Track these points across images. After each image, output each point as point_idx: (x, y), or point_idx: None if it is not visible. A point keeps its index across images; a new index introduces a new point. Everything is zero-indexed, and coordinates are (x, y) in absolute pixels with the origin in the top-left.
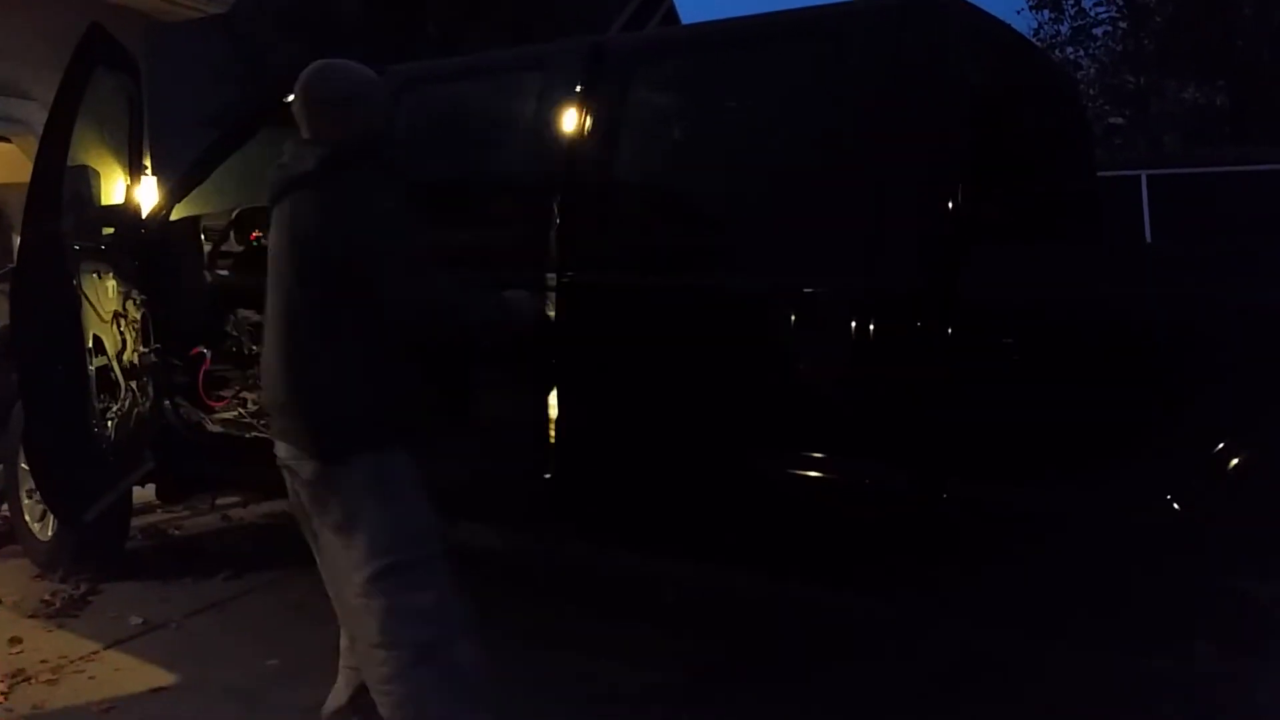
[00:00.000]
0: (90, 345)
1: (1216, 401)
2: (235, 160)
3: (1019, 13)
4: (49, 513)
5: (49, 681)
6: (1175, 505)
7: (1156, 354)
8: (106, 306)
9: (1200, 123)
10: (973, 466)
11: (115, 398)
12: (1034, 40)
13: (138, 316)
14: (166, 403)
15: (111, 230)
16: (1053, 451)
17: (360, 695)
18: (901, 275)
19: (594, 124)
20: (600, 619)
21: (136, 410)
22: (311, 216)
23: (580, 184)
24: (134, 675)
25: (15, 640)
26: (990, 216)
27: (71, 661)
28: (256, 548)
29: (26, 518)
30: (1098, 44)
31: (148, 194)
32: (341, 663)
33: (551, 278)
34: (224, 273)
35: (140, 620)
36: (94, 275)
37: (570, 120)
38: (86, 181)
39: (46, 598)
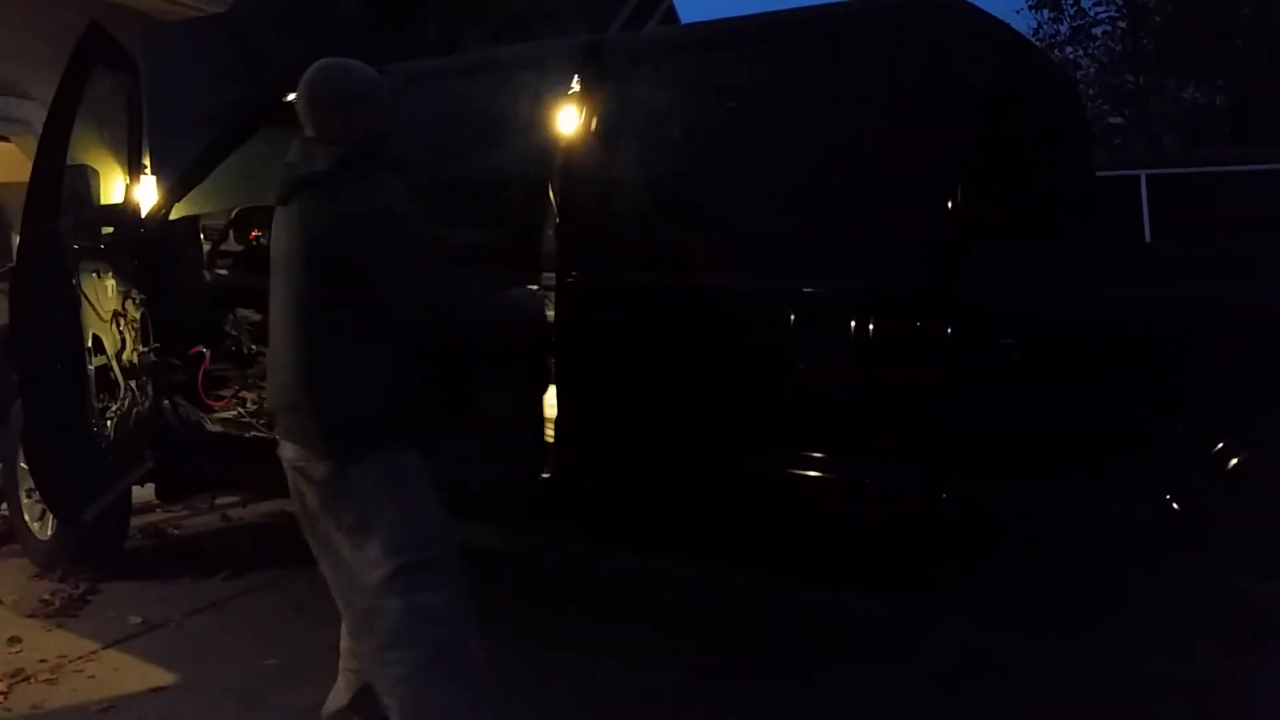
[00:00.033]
0: (90, 344)
1: (1216, 401)
2: (234, 159)
3: (1019, 12)
4: (48, 512)
5: (48, 681)
6: (1175, 505)
7: (1156, 354)
8: (106, 306)
9: (1200, 123)
10: (973, 466)
11: (115, 397)
12: (1033, 40)
13: (137, 316)
14: (166, 402)
15: (111, 229)
16: (1053, 451)
17: (361, 697)
18: (901, 275)
19: (592, 123)
20: (600, 619)
21: (136, 410)
22: (325, 216)
23: (579, 184)
24: (133, 675)
25: (14, 640)
26: (990, 216)
27: (71, 661)
28: (256, 547)
29: (26, 517)
30: (1097, 44)
31: (147, 193)
32: (342, 664)
33: (551, 278)
34: (223, 272)
35: (139, 620)
36: (93, 274)
37: (568, 119)
38: (85, 181)
39: (46, 597)
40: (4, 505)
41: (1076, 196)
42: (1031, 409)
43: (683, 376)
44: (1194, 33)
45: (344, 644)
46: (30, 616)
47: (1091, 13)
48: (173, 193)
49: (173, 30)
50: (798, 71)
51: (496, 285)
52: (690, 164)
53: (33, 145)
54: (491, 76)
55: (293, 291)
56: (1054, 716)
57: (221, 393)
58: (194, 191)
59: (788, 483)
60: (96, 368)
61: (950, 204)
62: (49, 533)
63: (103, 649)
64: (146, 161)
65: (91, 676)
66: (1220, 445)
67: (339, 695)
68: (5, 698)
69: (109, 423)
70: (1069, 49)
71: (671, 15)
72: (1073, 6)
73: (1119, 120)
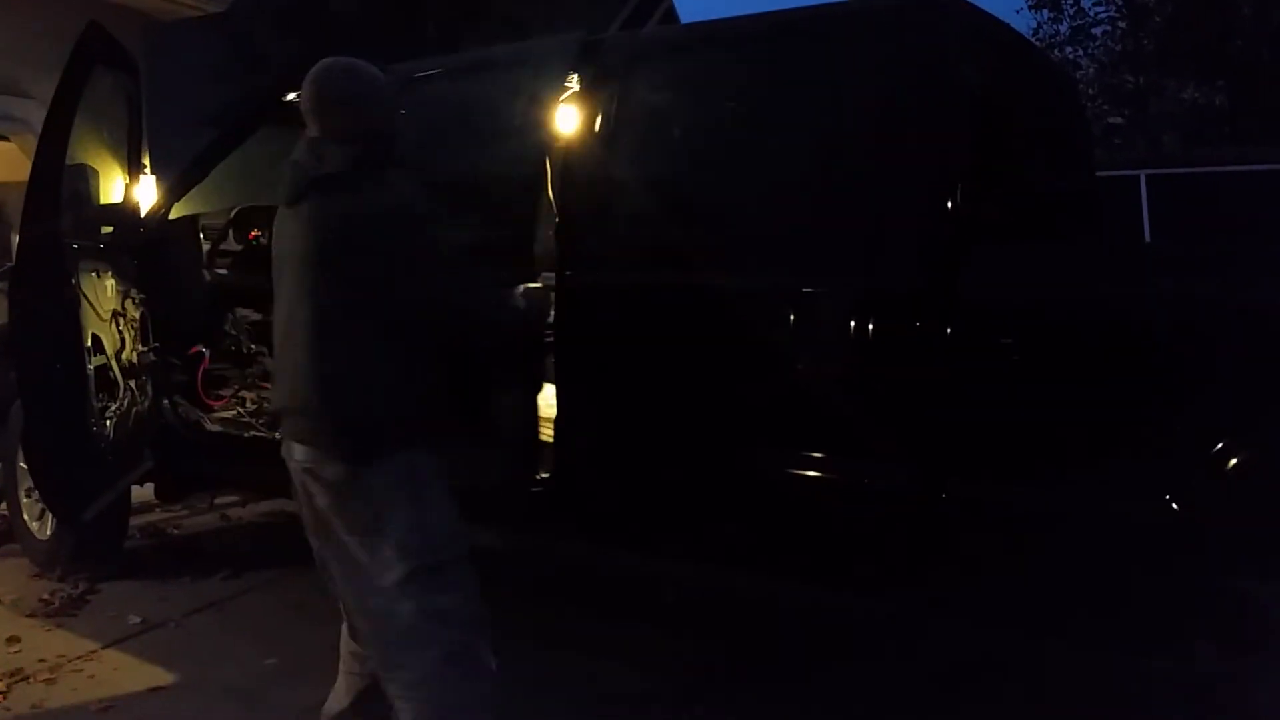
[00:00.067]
0: (89, 344)
1: (1216, 401)
2: (234, 159)
3: (1018, 12)
4: (48, 511)
5: (47, 681)
6: (1175, 505)
7: (1156, 354)
8: (105, 305)
9: (1199, 123)
10: (973, 466)
11: (114, 397)
12: (1033, 40)
13: (136, 315)
14: (165, 402)
15: (110, 229)
16: (1053, 451)
17: (363, 699)
18: (901, 275)
19: (591, 123)
20: (600, 619)
21: (135, 409)
22: (342, 217)
23: (579, 184)
24: (132, 674)
25: (14, 639)
26: (990, 216)
27: (70, 660)
28: (255, 547)
29: (25, 516)
30: (1097, 44)
31: (146, 193)
32: (342, 667)
33: (550, 277)
34: (223, 272)
35: (139, 619)
36: (93, 274)
37: (567, 119)
38: (85, 180)
39: (45, 597)
40: (3, 505)
41: (1076, 196)
42: (1031, 409)
43: (683, 376)
44: (1194, 33)
45: (344, 646)
46: (30, 616)
47: (1091, 13)
48: (172, 192)
49: (173, 30)
50: (798, 72)
51: (499, 284)
52: (690, 164)
53: (32, 144)
54: (490, 75)
55: (305, 292)
56: (1054, 716)
57: (221, 392)
58: (193, 191)
59: (787, 483)
60: (96, 367)
61: (950, 204)
62: (48, 532)
63: (102, 648)
64: (146, 161)
65: (91, 676)
66: (1220, 445)
67: (339, 697)
68: (4, 697)
69: (108, 422)
70: (1069, 49)
71: (671, 15)
72: (1072, 6)
73: (1119, 120)
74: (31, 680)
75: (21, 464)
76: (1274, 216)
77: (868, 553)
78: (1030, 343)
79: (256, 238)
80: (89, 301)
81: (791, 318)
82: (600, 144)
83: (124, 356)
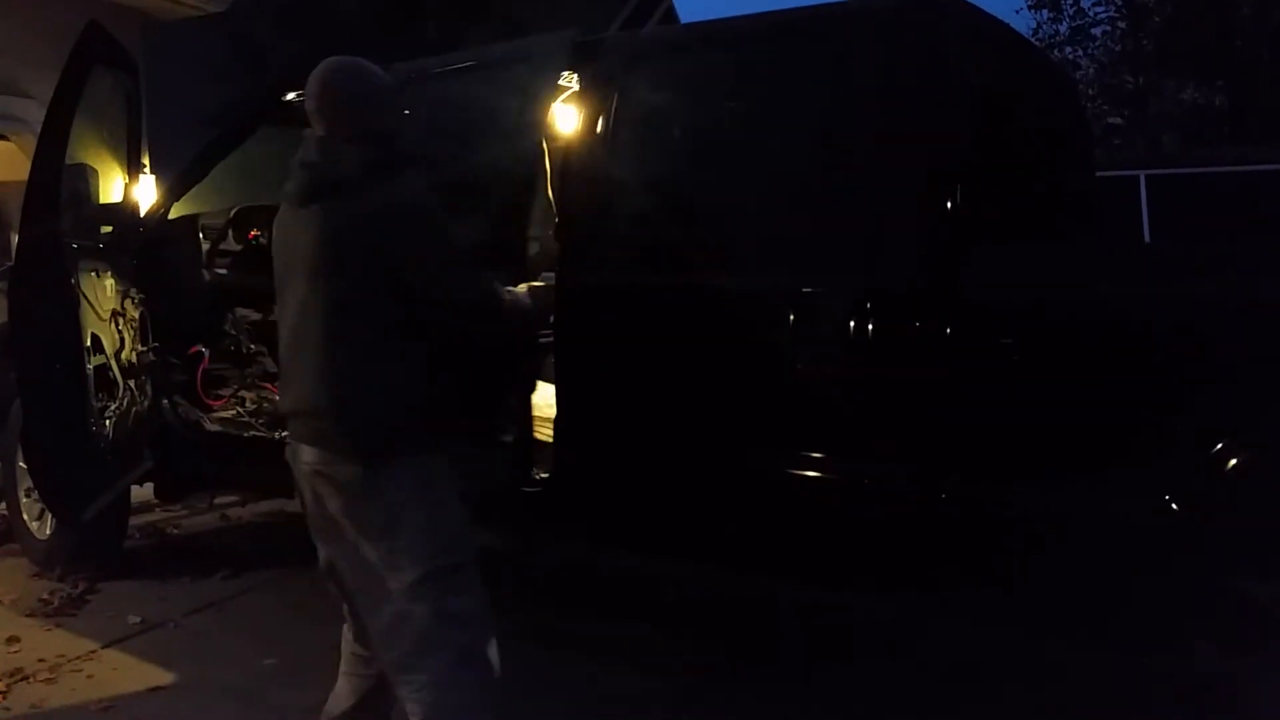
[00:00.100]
0: (89, 344)
1: (1216, 401)
2: (234, 159)
3: (1018, 12)
4: (47, 511)
5: (47, 680)
6: (1175, 505)
7: (1156, 354)
8: (105, 305)
9: (1199, 123)
10: (973, 466)
11: (114, 396)
12: (1033, 40)
13: (136, 315)
14: (165, 401)
15: (110, 229)
16: (1053, 451)
17: (369, 701)
18: (901, 275)
19: (590, 123)
20: (600, 619)
21: (135, 409)
22: (360, 218)
23: (578, 184)
24: (132, 674)
25: (13, 639)
26: (990, 216)
27: (69, 660)
28: (255, 547)
29: (25, 516)
30: (1096, 44)
31: (146, 192)
32: (345, 668)
33: (550, 277)
34: (222, 271)
35: (138, 619)
36: (92, 274)
37: (566, 119)
38: (85, 180)
39: (44, 596)
40: (3, 504)
41: (1076, 196)
42: (1031, 409)
43: (683, 376)
44: (1193, 33)
45: (347, 647)
46: (29, 616)
47: (1091, 13)
48: (172, 192)
49: (173, 30)
50: (797, 72)
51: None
52: (690, 164)
53: (32, 144)
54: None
55: (319, 293)
56: (1054, 716)
57: (220, 392)
58: (193, 191)
59: (788, 483)
60: (95, 367)
61: (950, 204)
62: (48, 532)
63: (101, 648)
64: (146, 160)
65: (90, 676)
66: (1220, 445)
67: (341, 698)
68: (4, 697)
69: (108, 422)
70: (1068, 49)
71: (671, 15)
72: (1072, 7)
73: (1118, 120)
74: (31, 680)
75: (21, 464)
76: (1274, 216)
77: (868, 553)
78: (1030, 343)
79: (256, 237)
80: (88, 301)
81: (791, 318)
82: (600, 144)
83: (123, 356)
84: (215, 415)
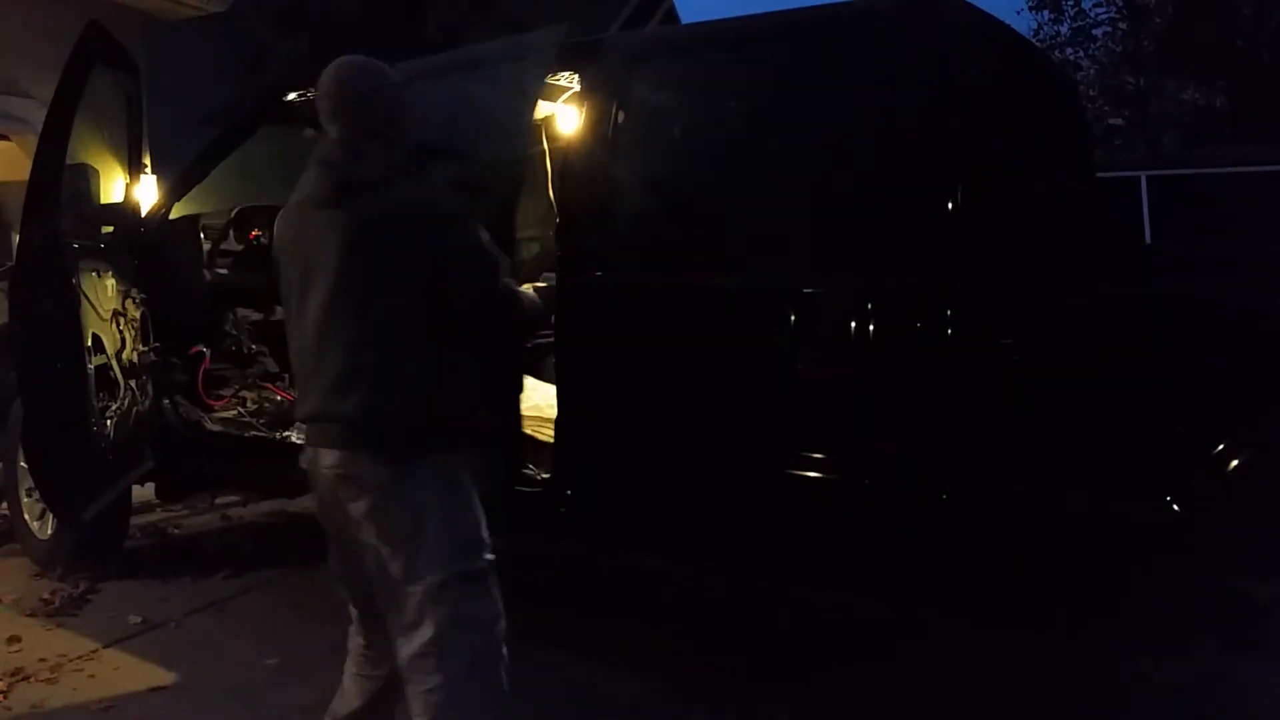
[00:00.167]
0: (89, 344)
1: (1216, 401)
2: (234, 159)
3: (1019, 13)
4: (48, 511)
5: (48, 680)
6: (1175, 505)
7: (1156, 354)
8: (106, 305)
9: (1200, 123)
10: (973, 466)
11: (114, 396)
12: (1034, 41)
13: (137, 315)
14: (166, 401)
15: (111, 228)
16: (1053, 451)
17: (377, 702)
18: (901, 275)
19: (591, 124)
20: (600, 619)
21: (136, 409)
22: (387, 219)
23: (579, 184)
24: (133, 674)
25: (14, 639)
26: (990, 216)
27: (70, 660)
28: (256, 547)
29: (26, 516)
30: (1097, 45)
31: (147, 192)
32: (352, 669)
33: (551, 277)
34: (223, 271)
35: (139, 619)
36: (93, 274)
37: (567, 119)
38: (85, 179)
39: (45, 596)
40: (4, 504)
41: (1076, 197)
42: (1031, 409)
43: (684, 376)
44: (1194, 34)
45: (354, 648)
46: (30, 615)
47: (1092, 14)
48: (173, 192)
49: (173, 29)
50: (798, 72)
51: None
52: (690, 164)
53: (33, 144)
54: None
55: (346, 295)
56: (1054, 716)
57: (221, 392)
58: (194, 191)
59: (788, 483)
60: (96, 367)
61: (950, 204)
62: (49, 532)
63: (102, 648)
64: (146, 160)
65: (91, 675)
66: (1220, 445)
67: (348, 698)
68: (5, 696)
69: (109, 422)
70: (1069, 50)
71: (672, 16)
72: (1073, 8)
73: (1119, 121)
74: (32, 679)
75: (22, 463)
76: (1274, 216)
77: (868, 553)
78: (1030, 343)
79: (257, 238)
80: (89, 301)
81: (791, 318)
82: (601, 144)
83: (124, 356)
84: (216, 415)
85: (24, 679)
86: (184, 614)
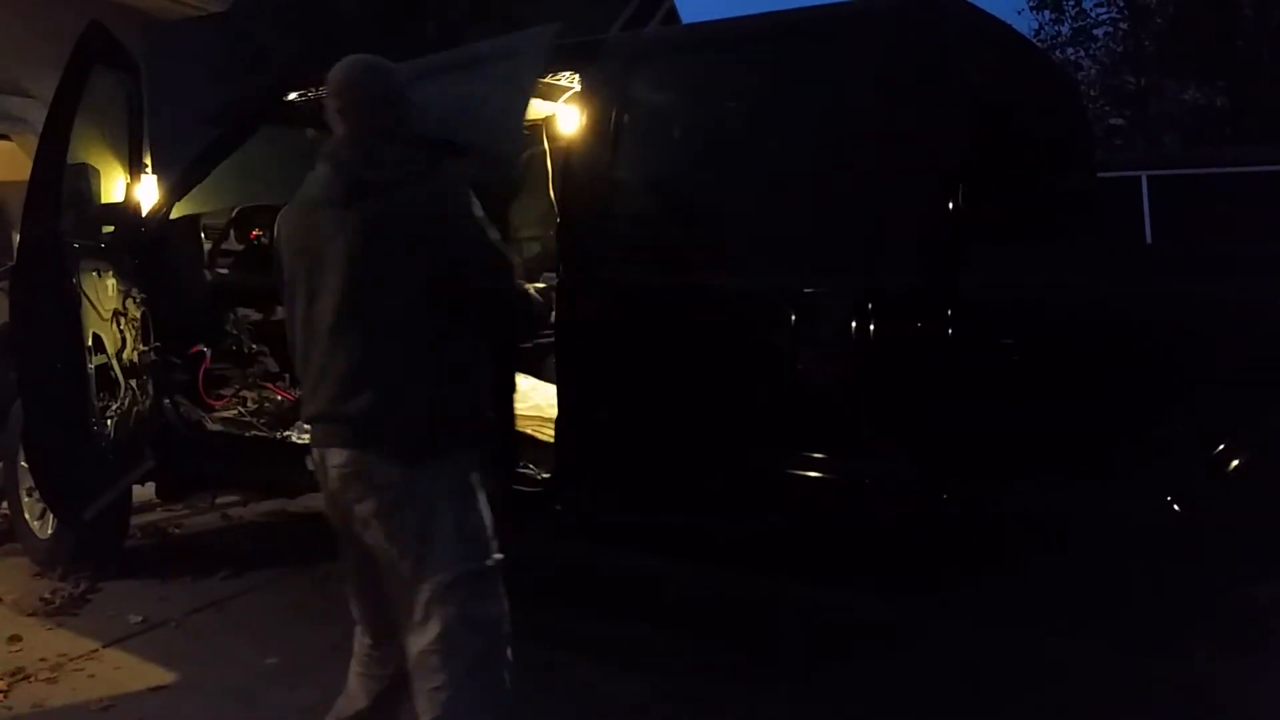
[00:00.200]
0: (90, 343)
1: (1216, 401)
2: (235, 159)
3: (1019, 13)
4: (48, 511)
5: (48, 680)
6: (1175, 505)
7: (1156, 354)
8: (106, 305)
9: (1200, 123)
10: (973, 466)
11: (115, 396)
12: (1034, 41)
13: (137, 315)
14: (166, 401)
15: (111, 228)
16: (1053, 451)
17: (380, 703)
18: (901, 275)
19: (591, 124)
20: (600, 619)
21: (136, 409)
22: (409, 217)
23: (580, 184)
24: (133, 674)
25: (15, 638)
26: (990, 216)
27: (71, 660)
28: (256, 546)
29: (26, 516)
30: (1098, 45)
31: (147, 192)
32: (357, 669)
33: (550, 277)
34: (224, 271)
35: (139, 619)
36: (94, 273)
37: (568, 119)
38: (86, 179)
39: (46, 596)
40: (4, 504)
41: (1077, 197)
42: (1032, 409)
43: (684, 376)
44: (1195, 34)
45: (360, 648)
46: (30, 615)
47: (1093, 14)
48: (173, 192)
49: (173, 29)
50: (798, 72)
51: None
52: (691, 165)
53: (33, 144)
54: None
55: (359, 294)
56: (1054, 716)
57: (222, 392)
58: (195, 190)
59: (788, 483)
60: (97, 366)
61: (950, 204)
62: (49, 531)
63: (103, 648)
64: (147, 160)
65: (91, 675)
66: (1220, 445)
67: (353, 698)
68: (5, 696)
69: (109, 422)
70: (1070, 50)
71: (673, 16)
72: (1074, 7)
73: (1120, 121)
74: (32, 679)
75: (22, 463)
76: (1274, 216)
77: (868, 553)
78: (1030, 343)
79: (258, 237)
80: (90, 301)
81: (791, 318)
82: (601, 144)
83: (125, 356)
84: (217, 415)
85: (24, 679)
86: (184, 614)
